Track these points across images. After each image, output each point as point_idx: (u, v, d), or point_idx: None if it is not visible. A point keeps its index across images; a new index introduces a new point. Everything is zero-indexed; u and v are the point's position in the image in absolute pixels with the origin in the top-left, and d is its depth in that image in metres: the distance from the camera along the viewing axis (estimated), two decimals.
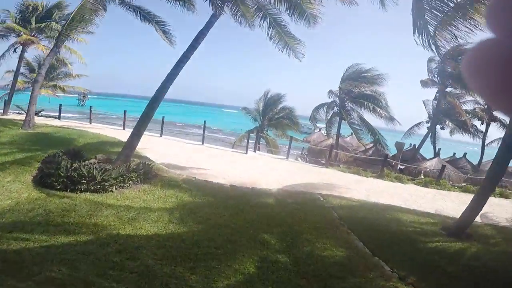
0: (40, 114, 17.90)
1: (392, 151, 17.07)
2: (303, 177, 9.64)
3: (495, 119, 18.92)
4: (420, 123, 20.02)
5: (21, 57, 14.79)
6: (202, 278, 3.29)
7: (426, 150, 19.64)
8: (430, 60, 17.57)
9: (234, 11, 8.60)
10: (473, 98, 18.13)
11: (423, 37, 5.25)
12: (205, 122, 13.79)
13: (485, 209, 5.90)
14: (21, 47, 14.45)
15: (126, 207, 4.94)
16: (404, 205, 7.66)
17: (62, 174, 5.21)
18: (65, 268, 3.29)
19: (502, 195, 10.31)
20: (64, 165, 5.36)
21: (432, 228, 5.88)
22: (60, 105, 16.01)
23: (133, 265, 3.46)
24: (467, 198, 9.37)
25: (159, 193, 5.71)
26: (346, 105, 17.36)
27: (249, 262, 3.68)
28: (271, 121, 18.87)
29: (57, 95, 20.44)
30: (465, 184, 13.73)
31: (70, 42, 15.16)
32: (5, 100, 15.31)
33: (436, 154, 18.21)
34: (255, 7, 8.37)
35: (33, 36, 14.37)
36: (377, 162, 15.78)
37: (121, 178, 5.52)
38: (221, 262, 3.60)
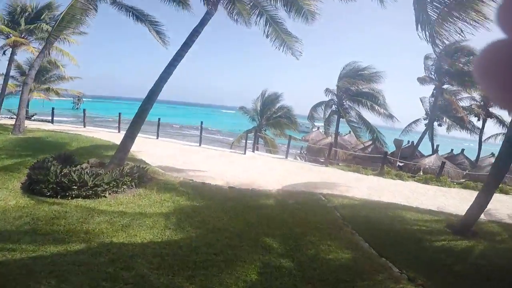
0: (33, 118, 17.54)
1: (390, 148, 16.99)
2: (303, 176, 9.47)
3: (491, 115, 19.04)
4: (417, 120, 20.02)
5: (10, 60, 14.42)
6: None
7: (424, 147, 19.62)
8: (426, 57, 17.60)
9: (229, 8, 8.41)
10: (469, 95, 18.24)
11: (426, 32, 5.09)
12: (202, 123, 13.57)
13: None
14: (11, 49, 14.08)
15: (120, 213, 4.71)
16: (406, 202, 7.52)
17: (52, 180, 4.96)
18: (55, 281, 3.07)
19: (502, 191, 10.22)
20: (53, 170, 5.11)
21: (437, 226, 5.73)
22: (53, 108, 15.68)
23: (128, 275, 3.24)
24: (468, 194, 9.34)
25: (155, 197, 5.47)
26: (344, 103, 17.25)
27: (251, 269, 3.48)
28: (269, 121, 18.69)
29: (49, 99, 20.03)
30: (464, 180, 13.68)
31: (61, 43, 14.92)
32: None
33: (435, 150, 18.18)
34: (251, 4, 8.19)
35: (23, 37, 14.01)
36: (377, 160, 15.66)
37: (115, 183, 5.28)
38: (221, 270, 3.39)
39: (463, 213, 6.46)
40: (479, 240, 5.08)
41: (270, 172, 9.51)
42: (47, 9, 14.27)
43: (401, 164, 16.23)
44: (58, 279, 3.08)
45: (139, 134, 12.89)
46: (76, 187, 5.02)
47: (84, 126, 14.83)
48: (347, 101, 17.25)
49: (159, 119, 13.59)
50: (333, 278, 3.46)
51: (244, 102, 20.03)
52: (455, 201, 8.30)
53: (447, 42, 5.25)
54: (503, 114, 18.62)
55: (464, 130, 19.17)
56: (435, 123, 19.06)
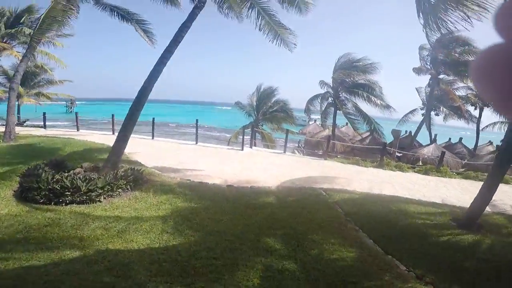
0: (25, 124, 17.19)
1: (388, 139, 16.92)
2: (303, 170, 9.35)
3: (488, 104, 19.00)
4: (414, 110, 19.96)
5: None
6: None
7: (421, 136, 19.59)
8: (421, 47, 17.48)
9: (219, 2, 8.15)
10: (465, 84, 18.23)
11: (430, 19, 4.89)
12: (197, 120, 13.33)
13: None
14: None
15: (115, 218, 4.54)
16: (408, 195, 7.43)
17: (43, 187, 4.77)
18: None
19: (503, 181, 10.18)
20: (45, 177, 4.91)
21: (441, 219, 5.63)
22: (44, 113, 15.33)
23: (125, 284, 3.09)
24: (469, 184, 9.28)
25: (151, 199, 5.30)
26: (340, 95, 17.09)
27: (253, 272, 3.34)
28: (265, 115, 18.50)
29: (40, 103, 19.64)
30: (463, 169, 13.65)
31: (46, 47, 14.53)
32: None
33: (433, 140, 18.16)
34: None
35: (5, 42, 13.62)
36: (375, 151, 15.60)
37: (109, 187, 5.10)
38: (222, 275, 3.25)
39: (466, 205, 6.37)
40: (485, 234, 4.97)
41: (269, 168, 9.38)
42: (26, 13, 13.84)
43: (399, 155, 16.18)
44: None
45: (134, 135, 12.65)
46: (69, 193, 4.84)
47: (78, 130, 14.55)
48: (343, 93, 17.09)
49: (153, 118, 13.35)
50: (338, 279, 3.33)
51: (241, 98, 19.74)
52: (457, 192, 8.23)
53: (453, 29, 5.04)
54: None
55: (461, 119, 19.17)
56: (432, 113, 19.02)
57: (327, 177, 8.72)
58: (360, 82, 16.44)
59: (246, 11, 8.19)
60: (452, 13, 4.60)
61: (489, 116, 19.67)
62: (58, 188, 4.79)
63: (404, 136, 19.53)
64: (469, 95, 19.04)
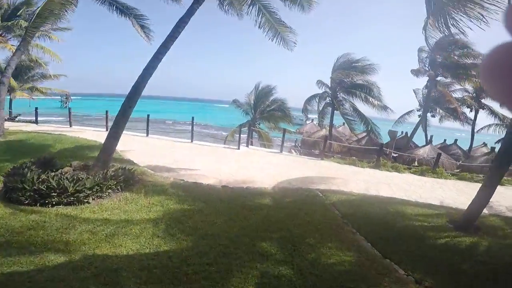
0: (17, 119, 16.75)
1: (384, 139, 16.93)
2: (299, 170, 9.23)
3: (483, 107, 19.28)
4: (411, 111, 20.02)
5: None
6: None
7: (417, 137, 19.67)
8: (420, 50, 17.51)
9: None
10: (462, 87, 18.38)
11: (440, 20, 4.76)
12: (193, 118, 13.11)
13: None
14: None
15: (104, 220, 4.35)
16: (405, 196, 7.36)
17: (28, 188, 4.55)
18: None
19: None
20: (30, 177, 4.69)
21: (439, 221, 5.55)
22: (36, 108, 14.95)
23: None
24: (464, 186, 9.26)
25: (143, 201, 5.11)
26: (338, 95, 17.01)
27: (248, 279, 3.20)
28: (263, 114, 18.32)
29: (33, 98, 19.18)
30: (458, 171, 13.68)
31: (42, 40, 14.17)
32: None
33: (429, 141, 18.22)
34: None
35: (1, 35, 13.22)
36: (372, 151, 15.56)
37: (98, 187, 4.89)
38: (216, 282, 3.10)
39: (462, 206, 6.32)
40: (483, 236, 4.91)
41: (265, 167, 9.24)
42: (25, 5, 13.47)
43: (395, 155, 16.18)
44: None
45: (128, 132, 12.39)
46: (55, 194, 4.63)
47: (70, 126, 14.22)
48: (341, 93, 17.01)
49: (148, 115, 13.10)
50: (336, 285, 3.21)
51: (240, 96, 19.51)
52: (453, 193, 8.19)
53: (464, 30, 4.88)
54: (495, 105, 18.81)
55: (456, 121, 19.29)
56: (428, 114, 19.10)
57: (324, 178, 8.61)
58: (359, 82, 16.37)
59: (247, 8, 8.04)
60: (463, 13, 4.46)
61: (484, 118, 19.78)
62: (44, 188, 4.58)
63: (400, 137, 19.57)
64: (465, 97, 19.21)
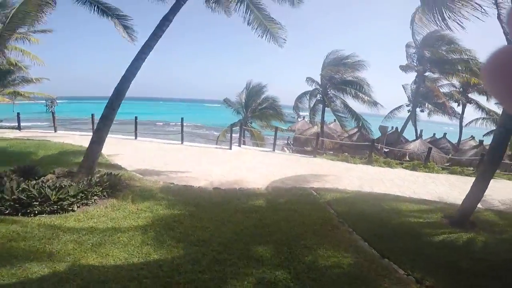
0: None
1: (375, 135, 17.06)
2: (292, 169, 9.14)
3: (470, 101, 19.73)
4: (400, 106, 20.27)
5: None
6: None
7: (407, 132, 19.92)
8: (408, 45, 17.70)
9: None
10: (449, 82, 18.73)
11: (435, 13, 4.69)
12: (182, 119, 12.83)
13: None
14: None
15: (90, 229, 4.12)
16: (399, 192, 7.36)
17: (8, 198, 4.27)
18: None
19: None
20: (9, 186, 4.40)
21: (434, 216, 5.53)
22: (18, 113, 14.32)
23: None
24: (455, 179, 9.37)
25: (130, 207, 4.87)
26: (329, 92, 17.02)
27: (243, 286, 3.05)
28: (254, 113, 18.17)
29: (14, 103, 18.43)
30: (448, 164, 13.90)
31: (21, 43, 13.57)
32: None
33: (419, 135, 18.47)
34: None
35: None
36: (363, 147, 15.65)
37: (83, 195, 4.64)
38: None
39: (455, 201, 6.35)
40: (479, 232, 4.90)
41: (258, 167, 9.10)
42: None
43: (386, 150, 16.32)
44: None
45: (116, 135, 12.00)
46: (37, 203, 4.36)
47: (55, 131, 13.69)
48: (331, 90, 17.03)
49: (135, 117, 12.74)
50: None
51: (231, 95, 19.25)
52: (445, 187, 8.26)
53: (463, 25, 4.82)
54: (482, 99, 19.30)
55: (445, 115, 19.66)
56: (417, 109, 19.38)
57: (317, 175, 8.54)
58: (349, 79, 16.43)
59: (234, 5, 7.84)
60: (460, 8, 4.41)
61: (471, 112, 20.34)
62: (24, 198, 4.30)
63: (390, 132, 19.79)
64: (453, 92, 19.60)
